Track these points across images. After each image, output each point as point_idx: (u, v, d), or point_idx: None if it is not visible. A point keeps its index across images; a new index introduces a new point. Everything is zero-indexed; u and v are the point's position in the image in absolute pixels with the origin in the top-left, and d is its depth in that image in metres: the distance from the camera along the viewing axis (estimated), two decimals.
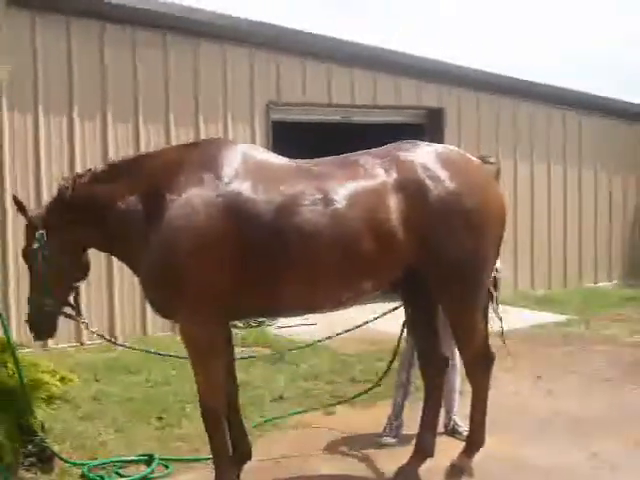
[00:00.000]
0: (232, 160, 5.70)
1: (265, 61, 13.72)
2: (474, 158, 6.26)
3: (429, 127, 15.99)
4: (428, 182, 5.78)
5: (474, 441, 6.41)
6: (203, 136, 12.45)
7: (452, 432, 7.47)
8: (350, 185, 5.68)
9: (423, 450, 6.46)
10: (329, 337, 8.14)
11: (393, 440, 7.36)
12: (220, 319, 5.70)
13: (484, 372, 6.33)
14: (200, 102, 13.02)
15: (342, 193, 5.63)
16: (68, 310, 6.20)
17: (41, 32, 11.64)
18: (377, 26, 49.33)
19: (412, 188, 5.76)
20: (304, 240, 5.51)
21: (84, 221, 5.80)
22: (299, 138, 15.31)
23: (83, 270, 6.14)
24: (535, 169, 17.11)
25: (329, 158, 6.06)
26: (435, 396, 6.53)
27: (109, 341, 7.31)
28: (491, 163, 7.21)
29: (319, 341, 8.38)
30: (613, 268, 18.72)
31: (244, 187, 5.53)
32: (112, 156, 11.88)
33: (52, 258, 5.82)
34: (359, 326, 7.81)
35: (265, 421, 7.69)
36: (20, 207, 5.99)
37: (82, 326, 6.55)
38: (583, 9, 55.10)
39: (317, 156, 6.18)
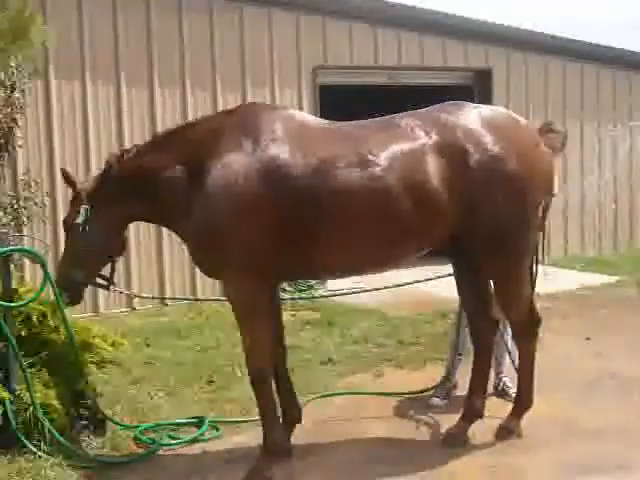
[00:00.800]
0: (269, 124, 5.74)
1: (311, 24, 13.65)
2: (522, 120, 6.18)
3: (477, 89, 15.82)
4: (469, 145, 5.72)
5: (522, 403, 6.44)
6: (250, 101, 12.44)
7: (502, 393, 7.42)
8: (388, 147, 5.66)
9: (472, 412, 6.46)
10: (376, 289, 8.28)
11: (442, 402, 7.34)
12: (263, 279, 5.73)
13: (531, 336, 6.35)
14: (247, 67, 13.01)
15: (379, 156, 5.62)
16: (100, 280, 6.36)
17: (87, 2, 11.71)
18: None
19: (452, 151, 5.70)
20: (340, 203, 5.55)
21: (132, 194, 5.90)
22: (346, 101, 15.23)
23: (120, 247, 6.30)
24: (585, 130, 16.89)
25: (370, 120, 6.03)
26: (484, 357, 6.51)
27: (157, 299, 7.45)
28: (556, 132, 7.17)
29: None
30: None
31: (280, 151, 5.59)
32: (159, 124, 11.99)
33: (92, 233, 5.94)
34: (407, 284, 7.87)
35: (312, 399, 7.47)
36: (68, 180, 6.10)
37: (113, 293, 6.65)
38: None
39: (364, 119, 6.14)
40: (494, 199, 5.73)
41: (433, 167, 5.64)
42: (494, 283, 6.25)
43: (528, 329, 6.32)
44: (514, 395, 6.83)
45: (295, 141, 5.65)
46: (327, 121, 6.15)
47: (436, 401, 7.36)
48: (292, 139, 5.66)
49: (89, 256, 6.04)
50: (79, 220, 5.94)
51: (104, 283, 6.36)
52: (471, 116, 5.92)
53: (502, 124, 5.97)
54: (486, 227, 5.79)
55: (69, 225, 6.05)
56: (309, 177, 5.52)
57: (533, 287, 6.36)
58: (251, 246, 5.58)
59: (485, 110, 6.12)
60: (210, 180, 5.61)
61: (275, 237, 5.54)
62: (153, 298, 8.00)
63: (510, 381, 7.37)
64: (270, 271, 5.72)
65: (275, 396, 6.14)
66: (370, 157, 5.60)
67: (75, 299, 6.23)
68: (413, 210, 5.61)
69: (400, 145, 5.69)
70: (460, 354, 7.42)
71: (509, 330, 7.11)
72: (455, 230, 5.83)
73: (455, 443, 6.33)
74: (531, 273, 6.31)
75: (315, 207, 5.52)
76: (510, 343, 7.28)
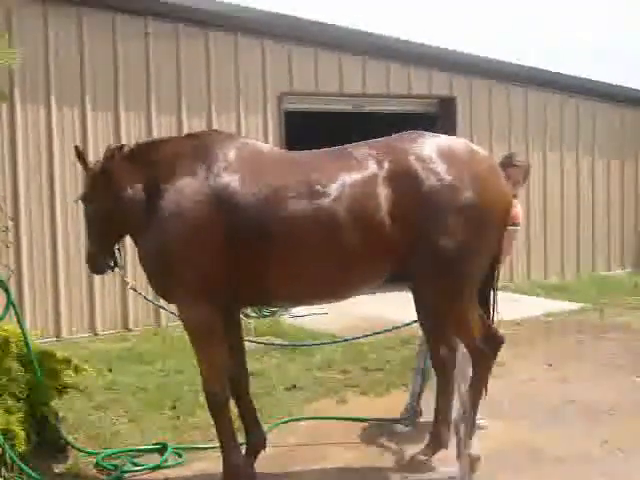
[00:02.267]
0: (224, 152, 5.82)
1: (277, 51, 13.72)
2: (479, 150, 6.06)
3: (441, 116, 15.97)
4: (421, 173, 5.65)
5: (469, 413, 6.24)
6: (216, 126, 12.45)
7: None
8: (338, 177, 5.64)
9: (437, 441, 6.47)
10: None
11: (407, 428, 7.33)
12: (215, 304, 5.74)
13: (483, 363, 6.13)
14: (212, 92, 13.04)
15: (328, 186, 5.61)
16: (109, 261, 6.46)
17: (53, 23, 11.65)
18: (389, 15, 49.25)
19: (404, 179, 5.65)
20: (287, 233, 5.57)
21: (107, 196, 6.02)
22: (312, 128, 15.31)
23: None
24: (548, 157, 17.07)
25: (326, 150, 6.04)
26: (446, 386, 6.52)
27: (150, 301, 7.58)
28: (519, 165, 7.27)
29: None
30: (626, 256, 18.68)
31: (232, 179, 5.65)
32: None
33: (97, 215, 6.16)
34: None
35: (275, 425, 7.45)
36: (81, 158, 6.26)
37: (120, 274, 6.72)
38: None
39: (329, 146, 6.14)
40: (444, 227, 5.62)
41: (383, 196, 5.60)
42: (438, 310, 6.17)
43: (481, 356, 6.09)
44: (482, 423, 6.83)
45: (247, 170, 5.71)
46: (282, 150, 6.24)
47: (400, 428, 7.36)
48: (244, 168, 5.72)
49: (97, 235, 6.26)
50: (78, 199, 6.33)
51: (111, 265, 6.46)
52: (426, 145, 5.85)
53: (457, 153, 5.88)
54: (433, 253, 5.66)
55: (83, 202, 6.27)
56: (258, 205, 5.56)
57: (489, 315, 6.27)
58: (201, 271, 5.64)
59: (442, 139, 6.05)
60: (163, 203, 5.71)
61: (225, 264, 5.59)
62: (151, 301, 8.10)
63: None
64: (222, 297, 5.75)
65: (239, 421, 6.13)
66: (318, 187, 5.60)
67: (97, 271, 6.56)
68: (361, 239, 5.59)
69: (351, 175, 5.67)
70: (423, 381, 7.42)
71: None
72: (407, 257, 5.74)
73: (419, 470, 6.31)
74: (486, 301, 6.24)
75: (263, 236, 5.55)
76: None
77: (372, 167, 5.69)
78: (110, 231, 6.19)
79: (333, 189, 5.59)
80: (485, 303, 6.24)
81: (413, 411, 7.47)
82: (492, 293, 6.32)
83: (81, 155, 6.24)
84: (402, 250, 5.68)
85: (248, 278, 5.66)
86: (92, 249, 6.31)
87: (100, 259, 6.35)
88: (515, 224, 7.08)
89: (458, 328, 6.10)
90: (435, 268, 5.74)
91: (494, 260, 6.12)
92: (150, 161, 5.92)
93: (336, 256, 5.63)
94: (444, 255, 5.66)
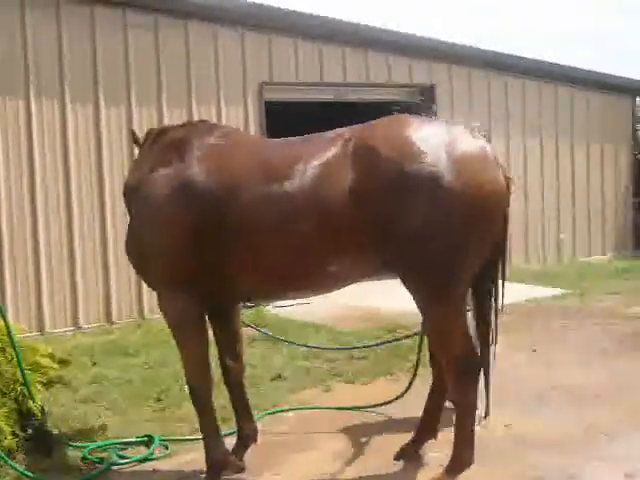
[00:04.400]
0: (200, 142, 5.79)
1: (257, 42, 13.69)
2: (469, 133, 5.42)
3: (421, 104, 15.97)
4: (387, 152, 5.15)
5: (459, 460, 5.63)
6: (196, 117, 12.41)
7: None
8: (301, 160, 5.34)
9: (425, 433, 6.33)
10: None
11: None
12: (192, 297, 5.70)
13: (467, 382, 5.49)
14: (192, 84, 13.01)
15: (289, 169, 5.33)
16: None
17: (31, 16, 11.58)
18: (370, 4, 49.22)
19: (367, 158, 5.20)
20: (243, 221, 5.40)
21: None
22: (293, 118, 15.28)
23: None
24: (527, 144, 17.13)
25: (306, 135, 5.78)
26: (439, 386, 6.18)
27: None
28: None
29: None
30: (607, 241, 18.78)
31: (199, 169, 5.61)
32: (104, 140, 11.97)
33: None
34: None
35: (266, 414, 7.49)
36: (135, 139, 6.45)
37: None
38: None
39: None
40: (415, 216, 5.09)
41: (346, 178, 5.19)
42: (422, 313, 5.55)
43: (464, 374, 5.45)
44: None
45: (217, 160, 5.64)
46: (263, 139, 6.15)
47: None
48: (216, 158, 5.66)
49: None
50: None
51: None
52: (402, 125, 5.38)
53: (439, 135, 5.29)
54: (403, 246, 5.18)
55: None
56: (218, 195, 5.46)
57: (488, 317, 5.83)
58: (172, 263, 5.62)
59: (420, 120, 5.56)
60: (141, 194, 5.80)
61: (193, 255, 5.54)
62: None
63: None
64: (198, 288, 5.68)
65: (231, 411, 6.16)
66: (277, 172, 5.37)
67: None
68: (325, 225, 5.21)
69: (315, 157, 5.32)
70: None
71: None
72: (380, 247, 5.26)
73: (408, 458, 6.26)
74: (481, 307, 5.84)
75: (222, 225, 5.43)
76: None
77: (337, 148, 5.32)
78: None
79: (293, 173, 5.30)
80: (485, 303, 5.82)
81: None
82: (494, 294, 5.82)
83: (136, 139, 6.41)
84: (371, 240, 5.23)
85: (216, 272, 5.58)
86: None
87: None
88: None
89: (437, 338, 5.58)
90: (406, 263, 5.28)
91: (495, 255, 5.59)
92: (152, 150, 6.00)
93: (298, 244, 5.30)
94: (416, 249, 5.17)
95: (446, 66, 16.03)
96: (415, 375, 7.46)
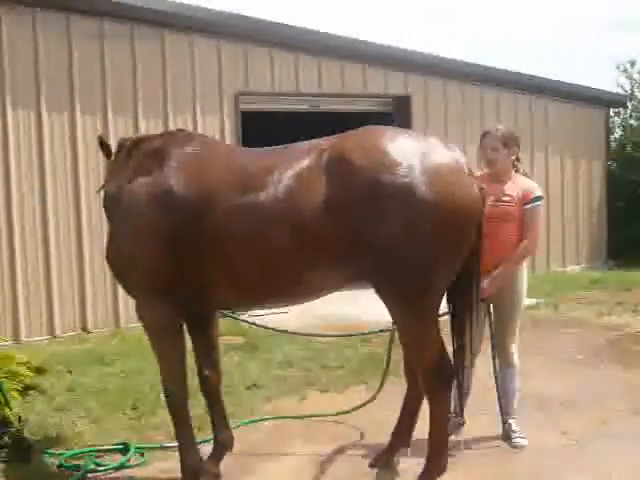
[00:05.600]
0: (178, 152, 5.81)
1: (232, 51, 13.73)
2: (442, 145, 5.39)
3: (397, 115, 16.06)
4: (360, 162, 5.14)
5: (433, 467, 5.65)
6: (172, 127, 12.45)
7: (506, 437, 6.93)
8: (275, 170, 5.35)
9: (399, 440, 6.32)
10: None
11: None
12: (168, 303, 5.73)
13: (441, 390, 5.53)
14: (169, 93, 13.02)
15: (263, 179, 5.35)
16: None
17: (7, 24, 11.59)
18: (347, 15, 49.41)
19: (340, 168, 5.19)
20: (216, 230, 5.42)
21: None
22: (269, 128, 15.36)
23: None
24: None
25: (281, 145, 5.79)
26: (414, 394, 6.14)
27: None
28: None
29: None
30: (580, 252, 18.93)
31: (176, 179, 5.63)
32: (80, 148, 11.98)
33: None
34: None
35: (239, 425, 7.38)
36: (104, 146, 6.48)
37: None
38: None
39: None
40: (386, 226, 5.07)
41: (318, 187, 5.19)
42: (395, 323, 5.63)
43: (438, 382, 5.49)
44: (517, 441, 6.80)
45: (194, 169, 5.66)
46: (240, 148, 6.16)
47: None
48: (192, 167, 5.68)
49: None
50: None
51: None
52: (376, 136, 5.37)
53: (412, 146, 5.28)
54: (374, 257, 5.17)
55: None
56: (193, 205, 5.49)
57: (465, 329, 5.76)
58: (150, 271, 5.66)
59: (394, 131, 5.56)
60: (119, 204, 5.85)
61: (169, 264, 5.58)
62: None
63: (516, 425, 6.96)
64: (175, 297, 5.72)
65: (207, 420, 6.21)
66: (251, 181, 5.39)
67: None
68: (296, 234, 5.21)
69: (288, 167, 5.34)
70: (461, 382, 6.34)
71: (516, 369, 6.97)
72: (354, 258, 5.23)
73: (382, 465, 6.26)
74: (459, 317, 5.76)
75: (198, 237, 5.46)
76: (517, 382, 7.01)
77: (312, 158, 5.32)
78: None
79: (268, 183, 5.31)
80: (461, 312, 5.77)
81: (455, 420, 6.86)
82: (472, 304, 5.78)
83: (104, 144, 6.43)
84: (345, 250, 5.20)
85: (192, 278, 5.61)
86: None
87: None
88: (531, 201, 6.82)
89: (410, 348, 5.55)
90: (379, 274, 5.27)
91: (470, 265, 5.56)
92: (130, 158, 6.02)
93: (272, 254, 5.30)
94: (388, 260, 5.15)
95: (421, 77, 16.11)
96: (385, 375, 7.48)
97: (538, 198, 6.84)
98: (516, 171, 7.00)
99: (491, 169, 6.89)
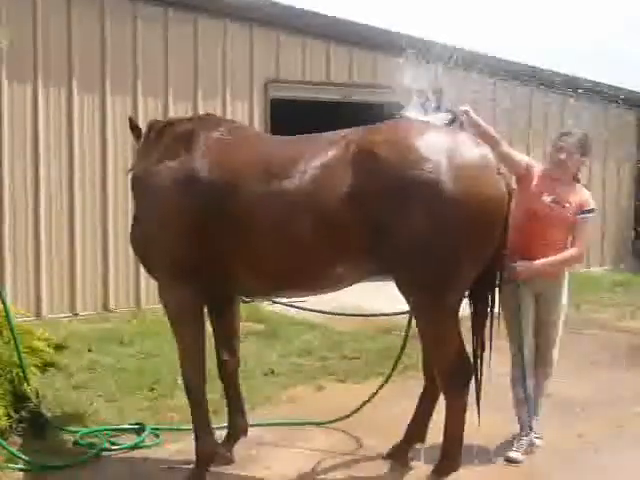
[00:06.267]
0: (206, 137, 5.81)
1: (264, 38, 13.70)
2: (474, 141, 5.45)
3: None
4: (386, 156, 5.15)
5: (447, 463, 5.74)
6: (201, 111, 12.43)
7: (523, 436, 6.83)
8: (302, 159, 5.36)
9: (414, 436, 6.39)
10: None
11: (521, 457, 6.64)
12: (190, 289, 5.73)
13: (459, 390, 5.59)
14: (199, 78, 13.00)
15: (289, 168, 5.35)
16: None
17: (42, 4, 11.61)
18: (378, 6, 49.15)
19: (366, 162, 5.19)
20: (241, 217, 5.44)
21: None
22: (299, 116, 15.30)
23: None
24: (530, 154, 17.09)
25: (308, 135, 5.83)
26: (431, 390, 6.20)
27: None
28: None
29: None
30: (605, 254, 18.79)
31: (202, 163, 5.64)
32: (109, 130, 12.01)
33: None
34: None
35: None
36: (133, 126, 6.56)
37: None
38: None
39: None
40: (411, 221, 5.08)
41: (344, 180, 5.20)
42: (416, 319, 5.64)
43: (456, 382, 5.55)
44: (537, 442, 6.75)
45: (221, 155, 5.67)
46: (268, 136, 6.14)
47: (514, 455, 6.68)
48: (219, 153, 5.69)
49: None
50: None
51: None
52: (405, 130, 5.40)
53: (442, 141, 5.28)
54: (397, 252, 5.20)
55: None
56: (219, 190, 5.50)
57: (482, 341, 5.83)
58: (173, 255, 5.68)
59: (426, 125, 5.58)
60: (145, 186, 5.88)
61: (194, 248, 5.59)
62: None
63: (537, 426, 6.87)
64: (198, 281, 5.72)
65: (223, 405, 6.26)
66: (277, 169, 5.39)
67: None
68: (320, 224, 5.22)
69: (315, 157, 5.34)
70: (525, 390, 6.63)
71: (550, 375, 6.96)
72: (377, 252, 5.27)
73: (396, 459, 6.34)
74: (478, 319, 5.83)
75: (221, 220, 5.48)
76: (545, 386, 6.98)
77: (339, 150, 5.33)
78: None
79: (293, 172, 5.33)
80: (482, 309, 5.83)
81: (524, 434, 6.79)
82: (491, 301, 5.83)
83: (134, 126, 6.48)
84: (368, 243, 5.23)
85: (214, 262, 5.63)
86: None
87: None
88: (586, 212, 6.65)
89: (430, 344, 5.59)
90: (403, 269, 5.30)
91: (494, 262, 5.59)
92: (159, 141, 6.02)
93: (294, 242, 5.33)
94: (412, 255, 5.17)
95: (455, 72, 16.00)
96: (392, 371, 7.43)
97: (592, 210, 6.71)
98: (576, 179, 6.87)
99: (559, 171, 6.73)
